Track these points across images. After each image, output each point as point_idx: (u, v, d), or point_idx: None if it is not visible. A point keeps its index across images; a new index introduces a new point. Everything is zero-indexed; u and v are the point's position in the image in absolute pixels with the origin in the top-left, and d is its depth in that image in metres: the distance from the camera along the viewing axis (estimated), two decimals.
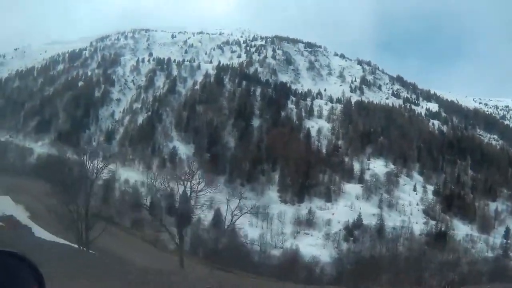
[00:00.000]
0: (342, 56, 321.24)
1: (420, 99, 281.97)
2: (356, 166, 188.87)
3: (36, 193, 71.91)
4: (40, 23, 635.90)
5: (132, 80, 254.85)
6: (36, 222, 56.09)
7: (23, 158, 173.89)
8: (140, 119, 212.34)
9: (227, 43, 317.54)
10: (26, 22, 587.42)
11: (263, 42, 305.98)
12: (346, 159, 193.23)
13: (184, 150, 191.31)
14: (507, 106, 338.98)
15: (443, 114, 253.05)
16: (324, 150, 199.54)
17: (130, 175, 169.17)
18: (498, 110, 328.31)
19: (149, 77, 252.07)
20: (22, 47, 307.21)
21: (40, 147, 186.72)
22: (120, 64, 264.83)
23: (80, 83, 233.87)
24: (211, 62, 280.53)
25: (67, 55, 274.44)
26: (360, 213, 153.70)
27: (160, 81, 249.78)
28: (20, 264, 2.84)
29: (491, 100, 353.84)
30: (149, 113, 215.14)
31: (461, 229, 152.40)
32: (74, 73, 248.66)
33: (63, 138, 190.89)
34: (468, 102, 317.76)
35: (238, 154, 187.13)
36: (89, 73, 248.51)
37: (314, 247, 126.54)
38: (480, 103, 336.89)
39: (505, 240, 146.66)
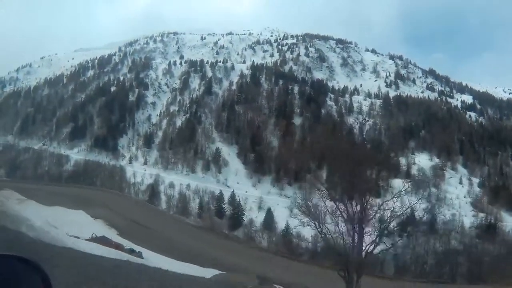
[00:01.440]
0: (374, 51, 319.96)
1: (454, 91, 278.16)
2: (402, 161, 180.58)
3: (107, 204, 60.54)
4: (64, 32, 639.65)
5: (166, 83, 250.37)
6: (135, 242, 42.98)
7: (60, 166, 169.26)
8: (179, 122, 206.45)
9: (258, 42, 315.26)
10: (50, 31, 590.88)
11: (294, 41, 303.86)
12: (390, 154, 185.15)
13: (227, 151, 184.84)
14: None
15: (478, 106, 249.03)
16: (368, 146, 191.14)
17: (175, 178, 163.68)
18: None
19: (183, 79, 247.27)
20: (48, 55, 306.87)
21: (77, 154, 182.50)
22: (152, 67, 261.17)
23: (113, 88, 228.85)
24: (244, 62, 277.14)
25: (96, 61, 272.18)
26: (412, 208, 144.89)
27: (195, 83, 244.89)
28: (28, 268, 2.96)
29: None
30: (187, 115, 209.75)
31: (509, 221, 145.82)
32: (105, 78, 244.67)
33: (100, 144, 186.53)
34: (498, 93, 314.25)
35: (282, 153, 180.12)
36: (121, 78, 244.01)
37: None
38: (510, 93, 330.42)
39: None
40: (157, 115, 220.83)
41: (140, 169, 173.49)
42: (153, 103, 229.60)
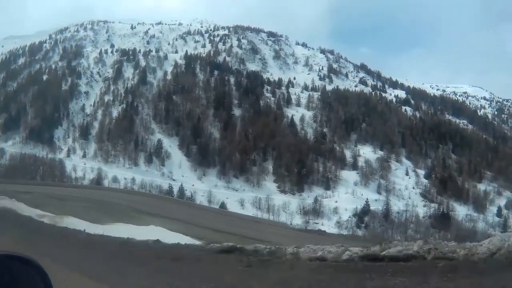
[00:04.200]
0: (304, 45, 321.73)
1: (386, 86, 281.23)
2: (347, 153, 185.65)
3: (143, 209, 45.32)
4: None
5: (98, 72, 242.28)
6: None
7: None
8: (115, 112, 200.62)
9: (188, 33, 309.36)
10: None
11: (226, 32, 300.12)
12: (335, 146, 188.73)
13: (168, 142, 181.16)
14: (465, 92, 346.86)
15: (412, 101, 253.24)
16: (311, 138, 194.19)
17: (118, 172, 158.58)
18: (457, 96, 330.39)
19: (116, 68, 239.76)
20: None
21: (12, 147, 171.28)
22: (84, 56, 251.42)
23: (45, 77, 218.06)
24: (176, 52, 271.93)
25: (27, 48, 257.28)
26: (367, 199, 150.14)
27: (128, 72, 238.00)
28: (28, 268, 2.91)
29: (448, 87, 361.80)
30: (123, 105, 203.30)
31: (459, 210, 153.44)
32: (36, 66, 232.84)
33: (35, 136, 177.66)
34: (426, 89, 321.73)
35: (225, 145, 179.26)
36: (53, 66, 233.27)
37: None
38: (437, 89, 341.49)
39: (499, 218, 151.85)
40: (91, 105, 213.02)
41: (79, 163, 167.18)
42: (86, 93, 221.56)
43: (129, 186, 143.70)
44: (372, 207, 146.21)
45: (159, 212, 41.44)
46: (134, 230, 26.18)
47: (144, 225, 30.57)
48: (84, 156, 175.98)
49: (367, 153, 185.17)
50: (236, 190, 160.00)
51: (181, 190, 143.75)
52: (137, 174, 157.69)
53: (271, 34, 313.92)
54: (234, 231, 34.31)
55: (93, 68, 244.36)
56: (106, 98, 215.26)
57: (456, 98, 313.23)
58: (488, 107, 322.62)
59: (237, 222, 49.17)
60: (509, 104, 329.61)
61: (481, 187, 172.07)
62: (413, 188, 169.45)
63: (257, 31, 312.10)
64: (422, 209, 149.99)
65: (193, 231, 30.43)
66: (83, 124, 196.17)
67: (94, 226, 26.98)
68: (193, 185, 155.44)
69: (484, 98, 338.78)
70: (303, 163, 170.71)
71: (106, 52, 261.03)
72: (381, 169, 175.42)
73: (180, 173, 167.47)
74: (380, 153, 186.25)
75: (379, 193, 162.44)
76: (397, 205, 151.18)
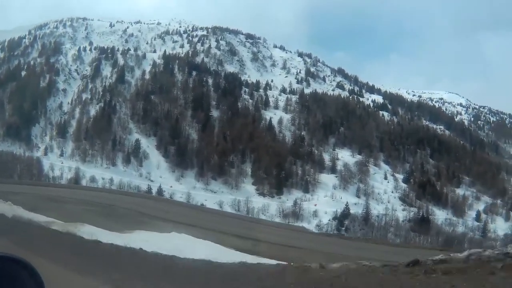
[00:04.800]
0: (282, 48, 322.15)
1: (363, 91, 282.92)
2: (326, 157, 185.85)
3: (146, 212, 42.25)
4: None
5: (76, 70, 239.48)
6: None
7: None
8: (92, 111, 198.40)
9: (167, 33, 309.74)
10: None
11: (204, 33, 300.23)
12: (313, 149, 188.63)
13: (145, 143, 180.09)
14: (441, 99, 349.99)
15: (389, 106, 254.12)
16: (289, 141, 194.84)
17: (96, 172, 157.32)
18: (433, 102, 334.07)
19: (94, 66, 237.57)
20: None
21: None
22: (62, 53, 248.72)
23: (23, 73, 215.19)
24: (154, 51, 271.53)
25: (5, 44, 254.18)
26: (347, 202, 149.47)
27: (107, 70, 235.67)
28: (22, 270, 2.97)
29: (425, 93, 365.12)
30: (101, 104, 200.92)
31: (438, 214, 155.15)
32: (15, 62, 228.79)
33: (13, 133, 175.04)
34: (402, 94, 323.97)
35: (203, 147, 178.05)
36: (32, 62, 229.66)
37: None
38: (414, 95, 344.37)
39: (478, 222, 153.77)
40: (68, 102, 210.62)
41: (57, 162, 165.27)
42: (64, 90, 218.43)
43: (107, 186, 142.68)
44: (352, 211, 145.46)
45: (167, 216, 39.97)
46: (159, 239, 23.45)
47: (160, 231, 28.24)
48: (61, 155, 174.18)
49: (346, 156, 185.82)
50: (215, 192, 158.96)
51: (160, 191, 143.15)
52: (115, 174, 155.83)
53: (249, 36, 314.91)
54: (261, 238, 32.15)
55: (71, 65, 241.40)
56: (84, 96, 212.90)
57: (433, 104, 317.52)
58: (465, 114, 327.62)
59: (256, 227, 47.30)
60: (485, 111, 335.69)
61: (460, 191, 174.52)
62: (392, 192, 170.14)
63: (236, 32, 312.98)
64: (401, 213, 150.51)
65: (222, 239, 27.51)
66: (61, 122, 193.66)
67: (112, 234, 24.27)
68: (171, 187, 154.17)
69: (460, 105, 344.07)
70: (282, 166, 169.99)
71: (84, 49, 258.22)
72: (359, 173, 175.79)
73: (158, 174, 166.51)
74: (358, 157, 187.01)
75: (358, 196, 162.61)
76: (376, 209, 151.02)
